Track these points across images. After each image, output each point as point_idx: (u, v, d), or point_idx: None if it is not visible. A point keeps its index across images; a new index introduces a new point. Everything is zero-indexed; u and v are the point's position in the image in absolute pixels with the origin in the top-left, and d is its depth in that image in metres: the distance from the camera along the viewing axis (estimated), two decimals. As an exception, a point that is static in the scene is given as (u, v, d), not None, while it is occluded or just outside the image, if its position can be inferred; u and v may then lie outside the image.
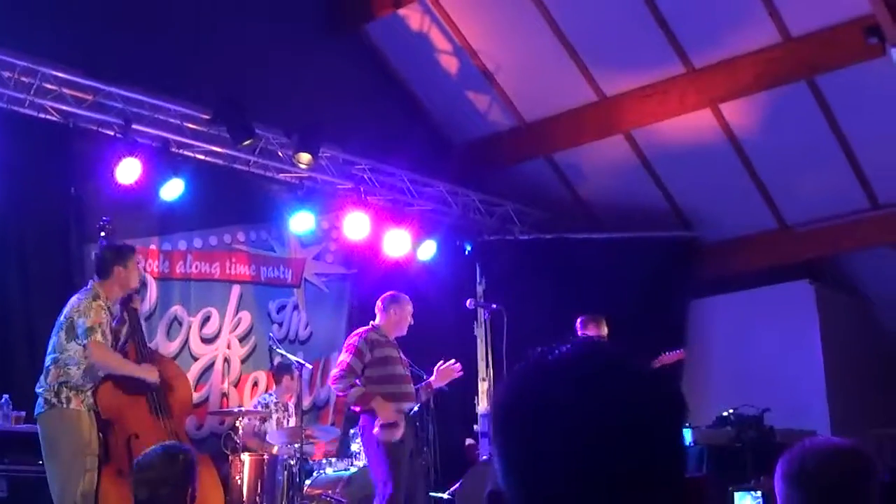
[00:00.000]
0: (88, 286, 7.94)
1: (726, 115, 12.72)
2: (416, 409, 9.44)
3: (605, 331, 10.53)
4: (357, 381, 8.86)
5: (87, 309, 7.64)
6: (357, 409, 9.11)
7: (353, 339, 9.13)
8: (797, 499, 3.16)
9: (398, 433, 8.83)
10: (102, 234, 8.66)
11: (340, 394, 9.17)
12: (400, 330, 9.31)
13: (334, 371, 9.09)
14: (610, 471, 1.54)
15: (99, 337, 7.58)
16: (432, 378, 9.37)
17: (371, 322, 9.35)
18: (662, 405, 1.62)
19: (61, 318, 7.72)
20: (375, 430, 8.74)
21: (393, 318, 9.26)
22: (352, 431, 10.79)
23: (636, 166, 13.71)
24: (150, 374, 8.07)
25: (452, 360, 9.41)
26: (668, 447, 1.60)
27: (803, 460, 3.17)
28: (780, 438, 10.92)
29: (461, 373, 9.54)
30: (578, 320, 10.63)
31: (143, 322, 9.10)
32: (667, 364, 10.70)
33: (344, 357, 9.01)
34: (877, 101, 11.79)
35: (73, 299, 7.80)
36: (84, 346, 7.54)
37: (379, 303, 9.42)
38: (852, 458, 3.26)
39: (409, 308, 9.40)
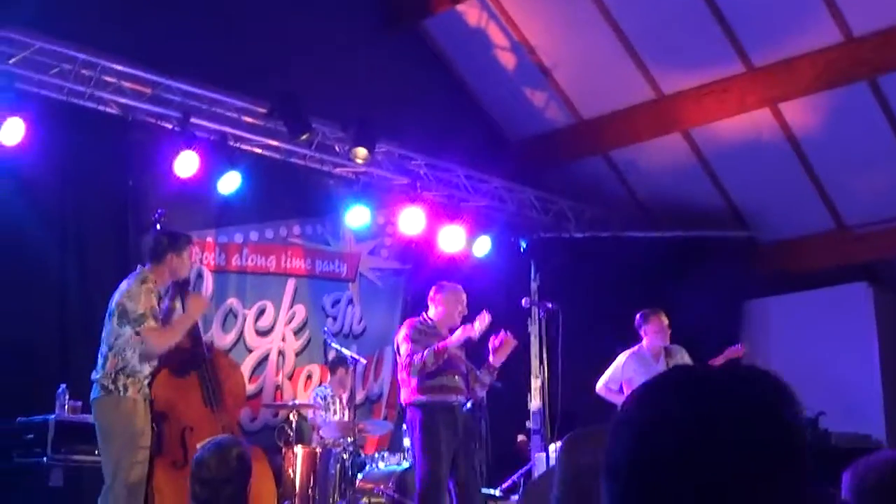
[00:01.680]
0: (137, 271, 7.89)
1: (785, 115, 12.63)
2: (468, 404, 9.43)
3: (665, 321, 10.48)
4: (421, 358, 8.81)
5: (136, 294, 7.58)
6: (406, 398, 9.03)
7: (405, 329, 9.13)
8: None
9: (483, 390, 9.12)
10: (158, 226, 8.69)
11: (415, 379, 8.93)
12: (452, 320, 9.22)
13: (402, 361, 8.98)
14: None
15: (152, 322, 7.54)
16: (491, 358, 9.27)
17: (423, 313, 9.34)
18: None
19: (112, 304, 7.69)
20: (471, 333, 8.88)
21: (443, 308, 9.21)
22: (404, 427, 10.79)
23: (693, 165, 13.63)
24: (200, 306, 8.19)
25: (503, 332, 9.28)
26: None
27: (879, 474, 3.04)
28: (835, 442, 10.81)
29: (516, 342, 9.39)
30: (638, 315, 10.58)
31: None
32: (730, 359, 10.62)
33: (404, 349, 8.96)
34: (939, 101, 11.68)
35: (123, 284, 7.76)
36: (138, 332, 7.51)
37: (430, 292, 9.41)
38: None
39: (461, 296, 9.35)
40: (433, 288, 9.44)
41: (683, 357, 10.53)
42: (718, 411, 1.53)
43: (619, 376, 10.51)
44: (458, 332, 8.97)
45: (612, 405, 10.58)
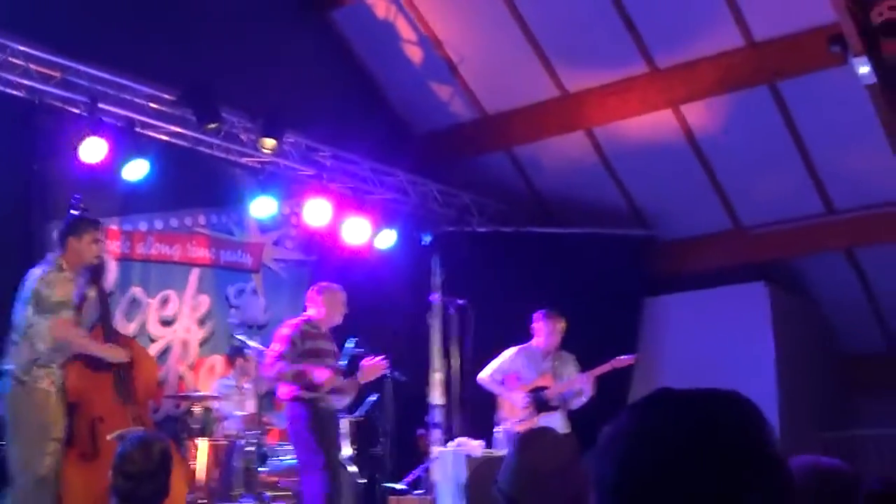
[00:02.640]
0: (48, 258, 7.81)
1: (687, 116, 12.83)
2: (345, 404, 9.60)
3: (560, 327, 10.59)
4: (287, 367, 8.78)
5: (54, 281, 7.50)
6: (287, 393, 8.96)
7: (285, 329, 9.04)
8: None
9: (346, 399, 9.12)
10: (74, 212, 8.57)
11: (271, 375, 8.99)
12: (332, 321, 9.25)
13: (267, 360, 8.98)
14: None
15: (67, 314, 7.46)
16: (359, 375, 9.29)
17: (304, 313, 9.31)
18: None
19: (26, 291, 7.55)
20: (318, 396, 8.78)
21: (324, 308, 9.20)
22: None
23: (595, 163, 13.78)
24: (117, 353, 7.98)
25: (380, 357, 9.32)
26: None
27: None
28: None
29: (387, 368, 9.48)
30: (538, 313, 10.67)
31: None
32: (619, 368, 10.76)
33: (277, 347, 8.90)
34: (836, 108, 11.89)
35: (36, 270, 7.63)
36: (49, 320, 7.42)
37: (311, 293, 9.39)
38: (837, 477, 3.27)
39: (341, 297, 9.34)
40: (313, 289, 9.43)
41: (570, 364, 10.66)
42: (704, 428, 1.61)
43: (505, 368, 10.60)
44: (353, 385, 9.18)
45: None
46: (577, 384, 10.42)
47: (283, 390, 8.99)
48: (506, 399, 10.54)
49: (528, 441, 3.00)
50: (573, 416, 10.59)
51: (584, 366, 10.65)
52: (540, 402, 10.35)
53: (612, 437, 1.69)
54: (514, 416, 10.37)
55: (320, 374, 8.74)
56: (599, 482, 1.65)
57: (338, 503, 8.70)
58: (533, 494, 2.83)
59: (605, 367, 10.53)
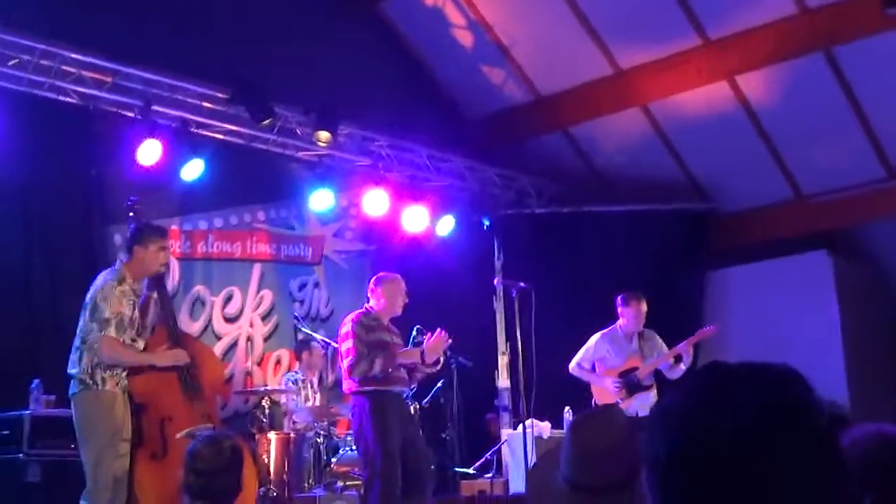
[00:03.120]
0: (116, 265, 7.83)
1: (743, 87, 12.70)
2: (409, 392, 9.66)
3: (644, 308, 10.51)
4: (367, 360, 8.72)
5: (109, 294, 7.48)
6: (350, 387, 8.91)
7: (347, 325, 8.96)
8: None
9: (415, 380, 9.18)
10: (131, 213, 8.63)
11: (357, 379, 8.78)
12: (393, 310, 9.14)
13: (346, 362, 8.84)
14: None
15: (112, 331, 7.41)
16: (425, 356, 9.10)
17: (364, 305, 9.26)
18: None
19: (87, 297, 7.59)
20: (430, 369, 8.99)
21: (384, 299, 9.09)
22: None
23: (652, 139, 13.69)
24: (173, 357, 7.99)
25: (438, 330, 9.12)
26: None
27: (860, 451, 3.08)
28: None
29: (450, 340, 9.28)
30: (620, 297, 10.60)
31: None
32: (703, 339, 10.72)
33: (348, 346, 8.82)
34: (893, 71, 11.75)
35: (99, 279, 7.66)
36: (99, 337, 7.42)
37: (370, 284, 9.30)
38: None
39: (401, 286, 9.21)
40: (373, 280, 9.31)
41: (656, 342, 10.62)
42: (754, 404, 1.59)
43: (590, 356, 10.58)
44: (414, 353, 9.00)
45: (585, 383, 10.67)
46: (675, 354, 10.37)
47: (347, 384, 8.98)
48: (598, 385, 10.52)
49: (581, 422, 3.01)
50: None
51: (652, 342, 10.65)
52: (632, 384, 10.34)
53: (661, 414, 1.68)
54: (607, 401, 10.36)
55: (430, 352, 8.89)
56: (650, 460, 1.65)
57: (395, 495, 8.65)
58: (587, 474, 2.84)
59: (693, 339, 10.47)
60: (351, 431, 9.88)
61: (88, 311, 7.51)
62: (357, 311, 9.16)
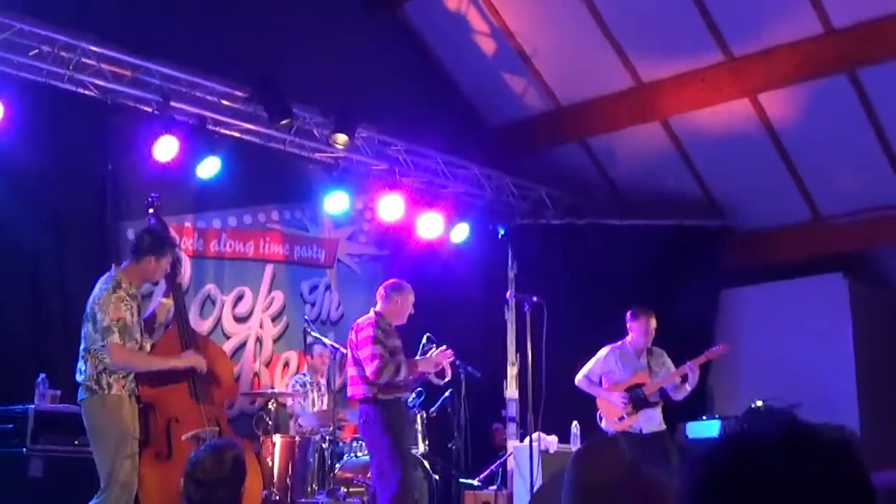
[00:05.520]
0: (111, 272, 7.68)
1: (764, 105, 12.62)
2: (411, 398, 9.74)
3: (653, 324, 10.44)
4: (392, 362, 8.70)
5: (105, 303, 7.41)
6: (358, 393, 8.87)
7: (367, 330, 8.88)
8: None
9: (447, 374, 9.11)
10: (151, 210, 8.59)
11: (383, 383, 8.71)
12: (401, 319, 9.14)
13: (370, 368, 8.70)
14: None
15: (116, 338, 7.35)
16: (422, 363, 9.13)
17: (373, 309, 9.17)
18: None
19: (87, 307, 7.54)
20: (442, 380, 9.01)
21: (395, 306, 9.09)
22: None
23: (671, 153, 13.62)
24: (188, 362, 7.95)
25: (444, 347, 9.18)
26: None
27: None
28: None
29: (452, 357, 9.30)
30: (629, 312, 10.53)
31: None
32: (711, 359, 10.66)
33: (370, 350, 8.73)
34: (917, 96, 11.70)
35: (96, 289, 7.58)
36: (103, 344, 7.36)
37: (381, 290, 9.24)
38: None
39: (412, 298, 9.21)
40: (386, 286, 9.26)
41: (664, 360, 10.55)
42: (810, 474, 1.58)
43: (598, 370, 10.51)
44: (429, 362, 9.01)
45: (593, 398, 10.60)
46: (682, 374, 10.30)
47: (354, 390, 8.92)
48: (604, 399, 10.46)
49: (583, 457, 2.93)
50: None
51: (665, 360, 10.57)
52: (638, 400, 10.28)
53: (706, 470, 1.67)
54: (613, 416, 10.31)
55: (438, 362, 8.94)
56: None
57: (409, 502, 8.64)
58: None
59: (701, 358, 10.41)
60: (358, 437, 9.86)
61: (90, 321, 7.47)
62: (372, 316, 9.07)
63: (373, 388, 8.71)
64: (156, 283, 8.15)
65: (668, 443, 10.27)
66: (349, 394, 9.09)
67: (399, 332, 9.16)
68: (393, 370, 8.68)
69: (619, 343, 10.56)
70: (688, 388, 10.34)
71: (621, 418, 10.24)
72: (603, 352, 10.57)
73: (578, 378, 10.55)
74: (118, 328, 7.39)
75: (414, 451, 9.87)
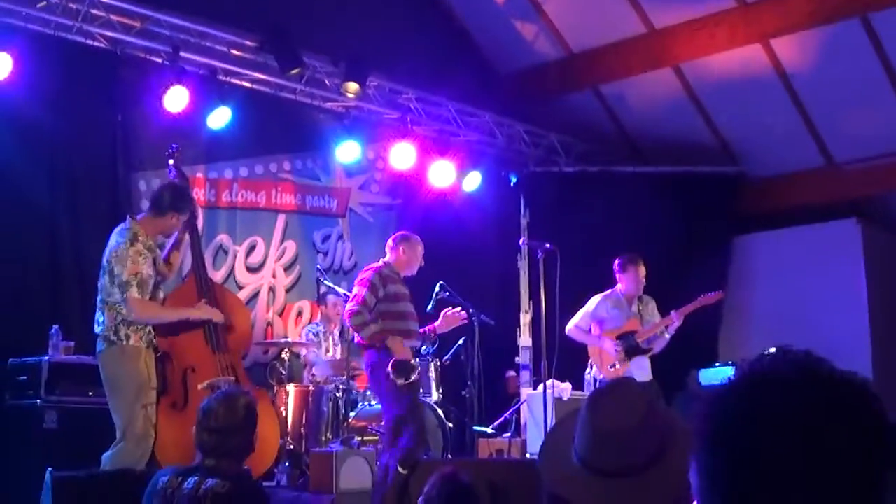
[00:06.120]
0: (126, 223, 7.66)
1: (777, 51, 12.53)
2: (430, 349, 9.88)
3: (643, 272, 10.41)
4: (369, 315, 8.68)
5: (123, 256, 7.40)
6: (362, 343, 8.90)
7: (366, 273, 8.93)
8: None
9: (413, 374, 8.69)
10: (171, 161, 8.60)
11: (353, 328, 8.85)
12: (410, 269, 9.15)
13: (349, 305, 8.80)
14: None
15: (135, 292, 7.36)
16: (437, 323, 9.25)
17: (382, 259, 9.19)
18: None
19: (104, 259, 7.56)
20: (389, 368, 8.58)
21: (403, 257, 9.09)
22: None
23: (684, 100, 13.54)
24: (205, 314, 7.99)
25: (458, 308, 9.28)
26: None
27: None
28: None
29: (465, 320, 9.41)
30: (618, 261, 10.48)
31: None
32: (706, 305, 10.61)
33: (358, 291, 8.76)
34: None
35: (112, 240, 7.57)
36: (123, 298, 7.38)
37: (390, 241, 9.27)
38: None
39: (421, 249, 9.22)
40: (398, 237, 9.29)
41: (652, 308, 10.50)
42: (822, 406, 1.57)
43: (589, 317, 10.45)
44: (407, 351, 8.84)
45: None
46: (668, 323, 10.28)
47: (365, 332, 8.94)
48: (596, 347, 10.44)
49: (599, 401, 2.88)
50: (657, 359, 10.49)
51: (674, 306, 10.49)
52: (631, 347, 10.24)
53: (717, 395, 1.65)
54: (605, 363, 10.29)
55: (401, 353, 8.65)
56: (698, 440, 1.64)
57: (421, 448, 8.65)
58: (604, 458, 2.73)
59: (691, 306, 10.38)
60: (367, 388, 9.92)
61: (107, 274, 7.47)
62: (379, 262, 9.11)
63: (385, 332, 8.71)
64: (168, 236, 8.11)
65: (657, 393, 10.23)
66: (356, 339, 9.12)
67: (412, 280, 9.18)
68: (365, 322, 8.63)
69: (610, 291, 10.50)
70: (666, 336, 10.32)
71: (613, 366, 10.22)
72: (594, 300, 10.50)
73: (569, 327, 10.46)
74: (137, 282, 7.40)
75: (427, 399, 9.90)
